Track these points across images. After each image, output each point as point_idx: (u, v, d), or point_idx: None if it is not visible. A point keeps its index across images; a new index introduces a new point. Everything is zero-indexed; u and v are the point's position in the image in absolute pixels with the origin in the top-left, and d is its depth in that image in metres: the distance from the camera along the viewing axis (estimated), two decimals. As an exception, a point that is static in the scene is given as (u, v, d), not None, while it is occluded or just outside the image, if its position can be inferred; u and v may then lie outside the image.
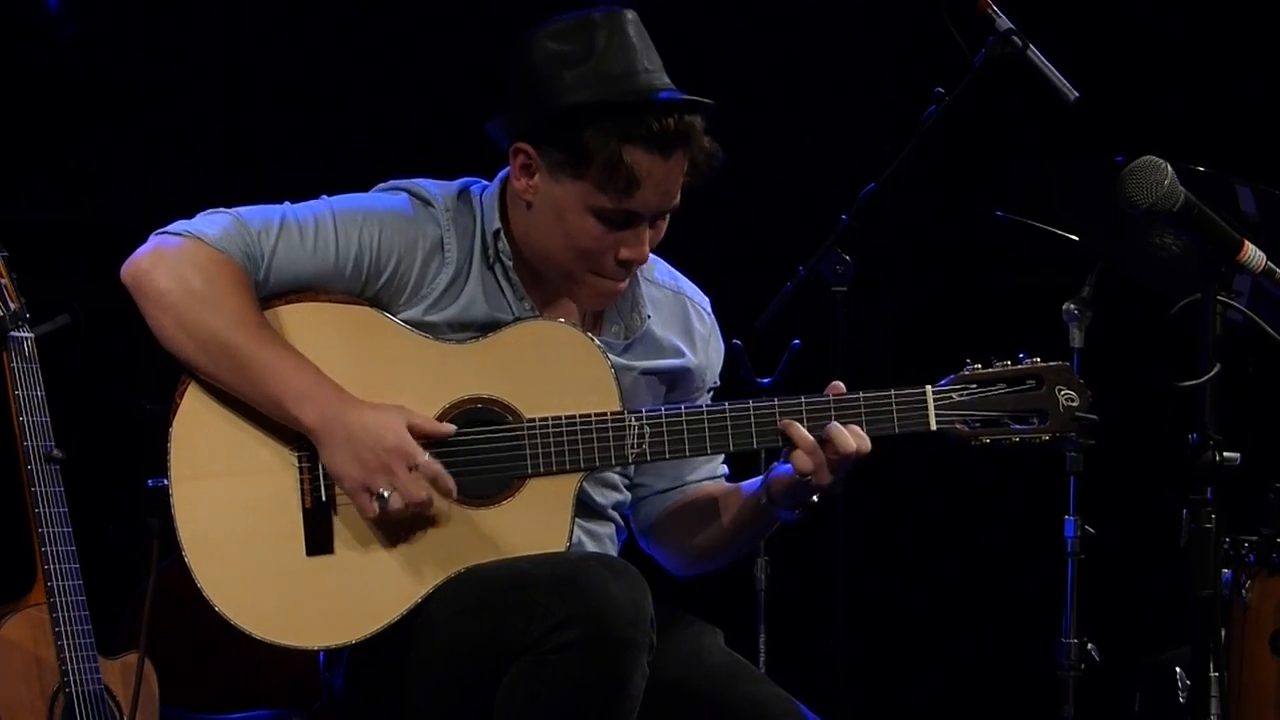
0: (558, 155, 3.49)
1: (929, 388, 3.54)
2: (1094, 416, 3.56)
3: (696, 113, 3.49)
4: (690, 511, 3.73)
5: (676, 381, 3.71)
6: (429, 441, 3.44)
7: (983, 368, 3.56)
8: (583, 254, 3.53)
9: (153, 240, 3.49)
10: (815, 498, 3.54)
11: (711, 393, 3.78)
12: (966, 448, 3.55)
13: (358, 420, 3.41)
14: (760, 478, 3.60)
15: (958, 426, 3.54)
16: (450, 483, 3.43)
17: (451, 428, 3.46)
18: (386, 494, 3.40)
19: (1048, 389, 3.56)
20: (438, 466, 3.42)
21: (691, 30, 5.65)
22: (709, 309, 3.79)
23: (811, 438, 3.48)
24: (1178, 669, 4.23)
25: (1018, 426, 3.56)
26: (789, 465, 3.49)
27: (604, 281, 3.56)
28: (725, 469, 3.80)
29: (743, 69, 5.86)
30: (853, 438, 3.47)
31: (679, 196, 3.53)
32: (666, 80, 3.52)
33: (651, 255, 3.73)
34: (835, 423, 3.48)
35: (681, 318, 3.73)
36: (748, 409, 3.52)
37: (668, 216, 3.56)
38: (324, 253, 3.51)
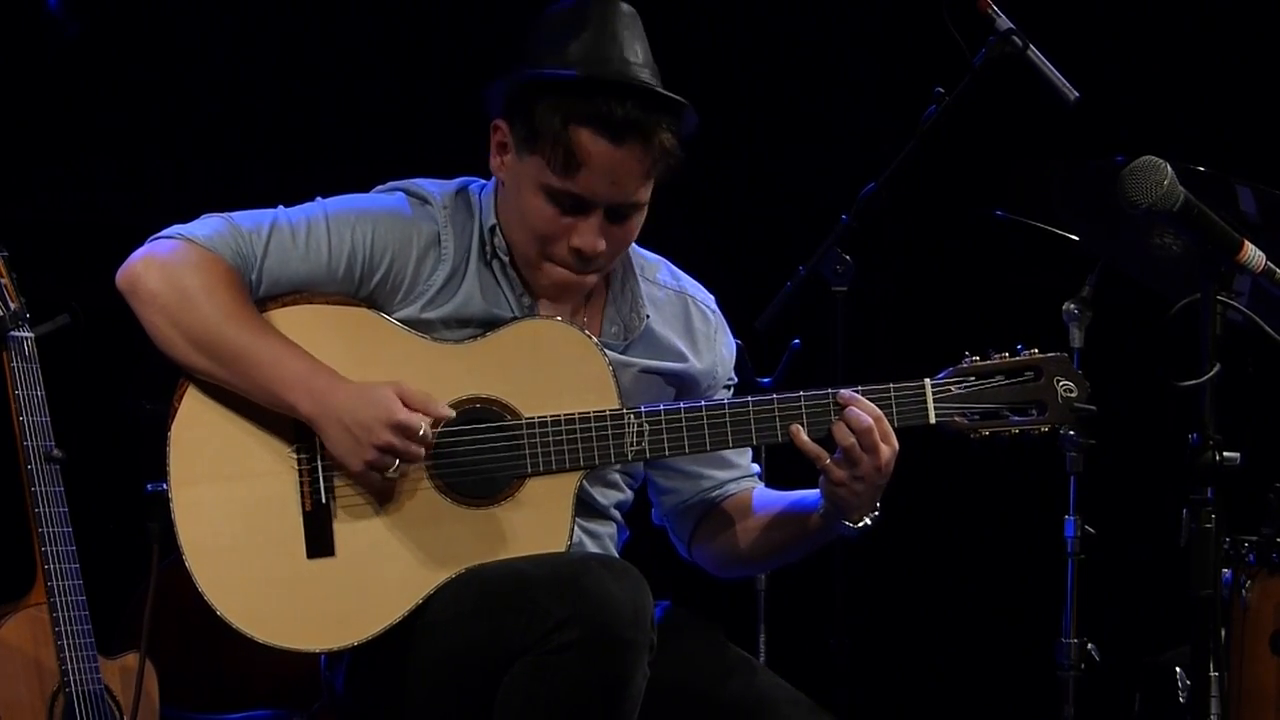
0: (520, 130, 3.49)
1: (927, 381, 3.55)
2: (1093, 407, 3.56)
3: (658, 110, 3.47)
4: (736, 520, 3.71)
5: (684, 387, 3.70)
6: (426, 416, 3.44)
7: (980, 360, 3.56)
8: (535, 236, 3.52)
9: (146, 245, 3.51)
10: (867, 510, 3.53)
11: (730, 389, 3.77)
12: (966, 440, 3.55)
13: (350, 403, 3.41)
14: (816, 491, 3.58)
15: (957, 419, 3.54)
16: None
17: (449, 411, 3.45)
18: (394, 474, 3.41)
19: (1046, 380, 3.56)
20: (431, 437, 3.41)
21: (691, 30, 5.65)
22: (713, 306, 3.78)
23: (816, 447, 3.48)
24: (1178, 669, 4.23)
25: (1017, 418, 3.56)
26: (823, 476, 3.50)
27: (558, 270, 3.54)
28: (757, 468, 3.79)
29: (743, 68, 5.85)
30: (862, 411, 3.47)
31: (641, 193, 3.50)
32: (644, 75, 3.50)
33: (655, 256, 3.73)
34: (839, 421, 3.48)
35: (682, 318, 3.73)
36: (747, 406, 3.52)
37: (634, 216, 3.53)
38: (316, 253, 3.52)
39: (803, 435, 3.50)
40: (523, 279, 3.59)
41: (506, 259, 3.58)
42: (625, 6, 3.55)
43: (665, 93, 3.48)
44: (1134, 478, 5.41)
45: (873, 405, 3.49)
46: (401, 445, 3.39)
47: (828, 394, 3.52)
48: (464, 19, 5.56)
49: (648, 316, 3.66)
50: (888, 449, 3.48)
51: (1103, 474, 4.52)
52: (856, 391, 3.52)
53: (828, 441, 3.50)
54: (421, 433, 3.40)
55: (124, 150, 5.38)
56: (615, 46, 3.50)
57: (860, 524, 3.54)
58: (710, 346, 3.74)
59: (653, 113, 3.45)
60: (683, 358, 3.70)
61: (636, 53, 3.52)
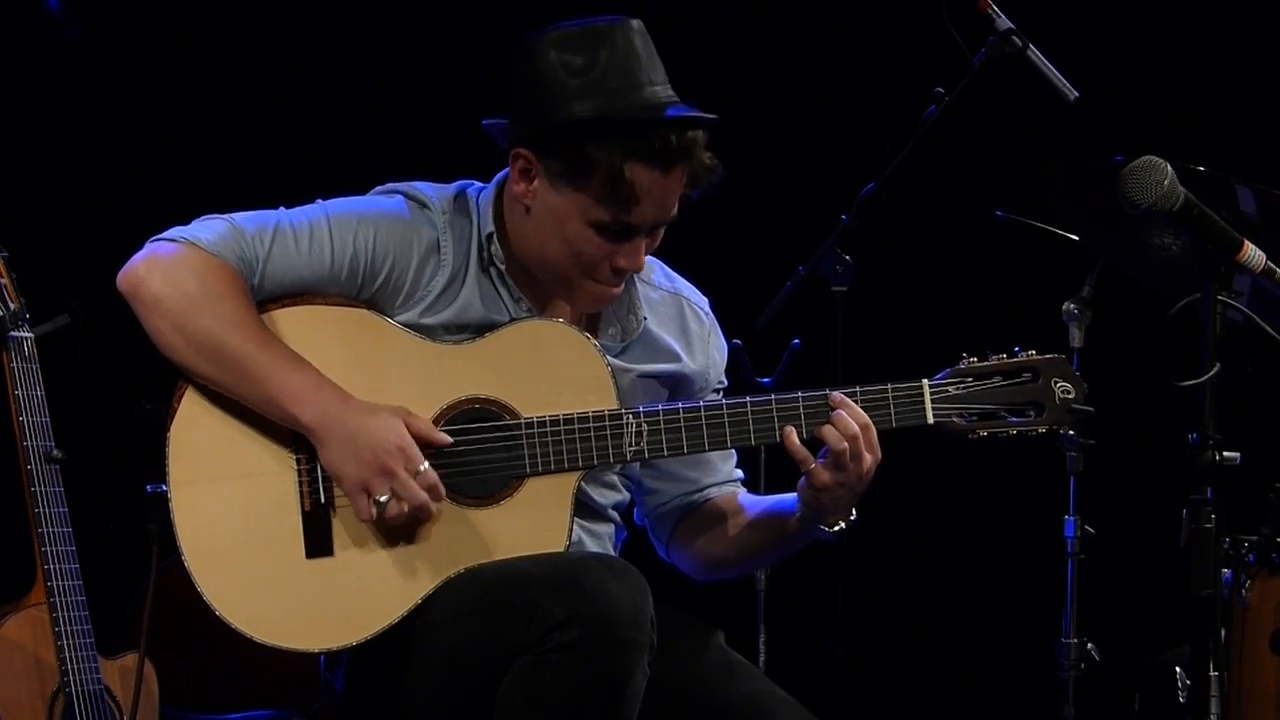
0: (558, 165, 3.49)
1: (925, 381, 3.56)
2: (1090, 408, 3.57)
3: (699, 128, 3.49)
4: (716, 523, 3.72)
5: (678, 387, 3.71)
6: (426, 446, 3.44)
7: (978, 361, 3.57)
8: (579, 263, 3.53)
9: (148, 247, 3.50)
10: (843, 515, 3.54)
11: (719, 393, 3.77)
12: (964, 441, 3.56)
13: (357, 420, 3.41)
14: (794, 495, 3.59)
15: (955, 420, 3.55)
16: (442, 492, 3.43)
17: (448, 438, 3.45)
18: (384, 498, 3.40)
19: (1043, 381, 3.57)
20: (434, 477, 3.41)
21: (692, 30, 5.64)
22: (707, 309, 3.79)
23: (804, 450, 3.49)
24: (1178, 669, 4.23)
25: (1014, 419, 3.57)
26: (805, 480, 3.50)
27: (599, 287, 3.56)
28: (740, 473, 3.80)
29: (743, 69, 5.85)
30: (850, 417, 3.47)
31: (676, 209, 3.53)
32: (671, 93, 3.52)
33: (649, 258, 3.73)
34: (828, 424, 3.49)
35: (678, 319, 3.73)
36: (745, 406, 3.53)
37: (664, 226, 3.56)
38: (318, 256, 3.51)
39: (794, 438, 3.50)
40: (520, 285, 3.59)
41: (503, 266, 3.58)
42: (636, 24, 3.53)
43: (705, 115, 3.49)
44: (1134, 478, 5.41)
45: (861, 412, 3.50)
46: (400, 473, 3.39)
47: (824, 395, 3.52)
48: (463, 19, 5.56)
49: (645, 319, 3.67)
50: (871, 457, 3.50)
51: (1103, 474, 4.52)
52: (855, 392, 3.52)
53: (812, 444, 3.51)
54: (423, 469, 3.40)
55: (124, 150, 5.37)
56: (642, 72, 3.49)
57: (836, 528, 3.55)
58: (704, 349, 3.74)
59: (693, 132, 3.48)
60: (677, 358, 3.70)
61: (659, 71, 3.52)
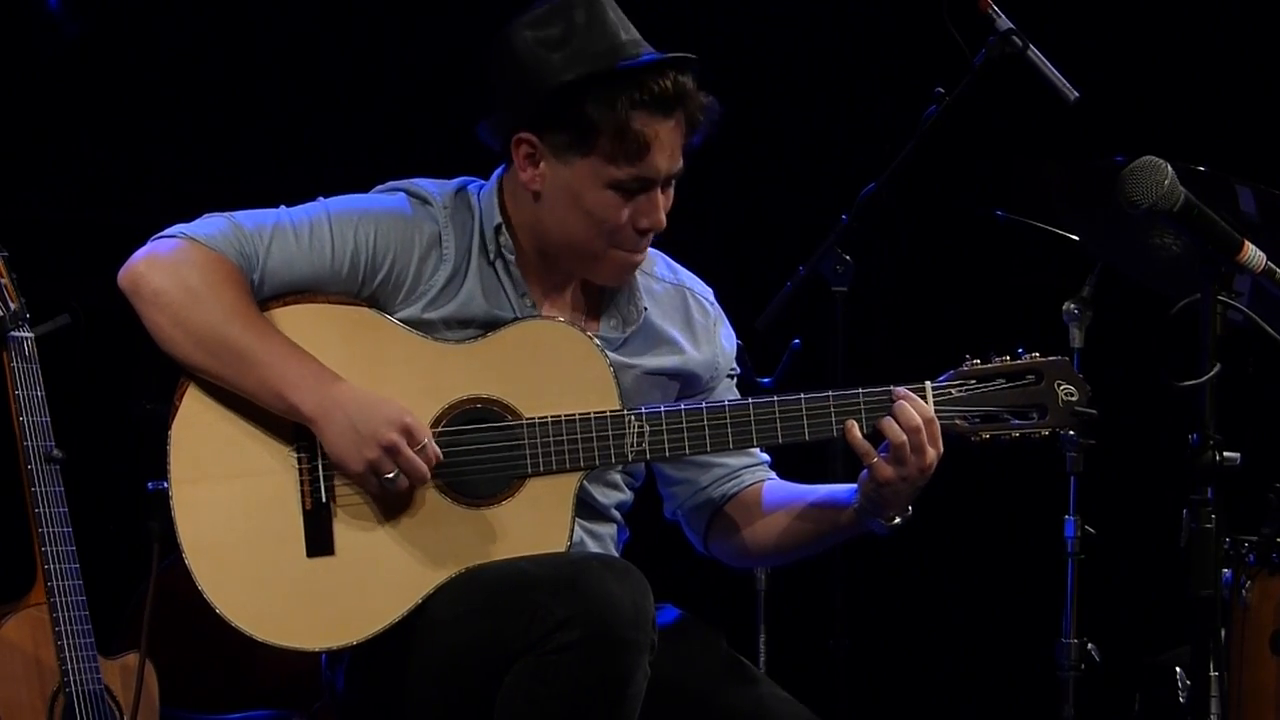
0: (562, 137, 3.50)
1: (928, 383, 3.55)
2: (1093, 411, 3.57)
3: (686, 71, 3.51)
4: (759, 513, 3.70)
5: (687, 381, 3.71)
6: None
7: (981, 363, 3.57)
8: (603, 230, 3.53)
9: (148, 244, 3.51)
10: (902, 509, 3.55)
11: (733, 378, 3.77)
12: (966, 443, 3.55)
13: (355, 402, 3.41)
14: (848, 486, 3.59)
15: (957, 422, 3.55)
16: (442, 457, 3.43)
17: (436, 451, 3.46)
18: (392, 475, 3.41)
19: (1047, 384, 3.57)
20: (436, 450, 3.42)
21: (692, 29, 5.64)
22: (712, 298, 3.78)
23: (867, 443, 3.49)
24: (1178, 669, 4.24)
25: (1017, 422, 3.56)
26: (867, 473, 3.50)
27: (624, 254, 3.57)
28: (768, 457, 3.79)
29: (743, 69, 5.85)
30: (913, 409, 3.47)
31: (682, 160, 3.55)
32: (648, 46, 3.55)
33: (652, 250, 3.73)
34: (888, 416, 3.48)
35: (681, 310, 3.73)
36: (747, 407, 3.53)
37: (674, 183, 3.57)
38: (319, 253, 3.52)
39: (856, 431, 3.50)
40: (526, 277, 3.60)
41: (512, 257, 3.59)
42: None
43: (685, 55, 3.52)
44: (1134, 478, 5.41)
45: (924, 405, 3.49)
46: (404, 448, 3.40)
47: (828, 395, 3.52)
48: (464, 19, 5.56)
49: (645, 309, 3.67)
50: (934, 451, 3.49)
51: (1103, 474, 4.52)
52: (857, 394, 3.52)
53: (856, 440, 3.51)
54: (424, 445, 3.41)
55: (124, 150, 5.37)
56: (619, 29, 3.53)
57: (894, 522, 3.55)
58: (710, 338, 3.74)
59: (684, 76, 3.50)
60: (681, 350, 3.70)
61: (632, 30, 3.56)
